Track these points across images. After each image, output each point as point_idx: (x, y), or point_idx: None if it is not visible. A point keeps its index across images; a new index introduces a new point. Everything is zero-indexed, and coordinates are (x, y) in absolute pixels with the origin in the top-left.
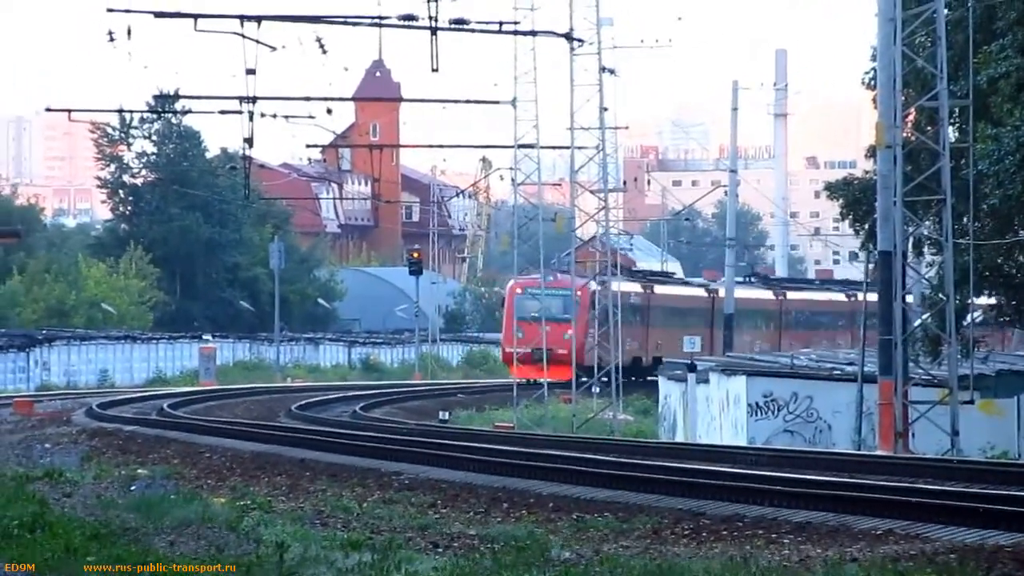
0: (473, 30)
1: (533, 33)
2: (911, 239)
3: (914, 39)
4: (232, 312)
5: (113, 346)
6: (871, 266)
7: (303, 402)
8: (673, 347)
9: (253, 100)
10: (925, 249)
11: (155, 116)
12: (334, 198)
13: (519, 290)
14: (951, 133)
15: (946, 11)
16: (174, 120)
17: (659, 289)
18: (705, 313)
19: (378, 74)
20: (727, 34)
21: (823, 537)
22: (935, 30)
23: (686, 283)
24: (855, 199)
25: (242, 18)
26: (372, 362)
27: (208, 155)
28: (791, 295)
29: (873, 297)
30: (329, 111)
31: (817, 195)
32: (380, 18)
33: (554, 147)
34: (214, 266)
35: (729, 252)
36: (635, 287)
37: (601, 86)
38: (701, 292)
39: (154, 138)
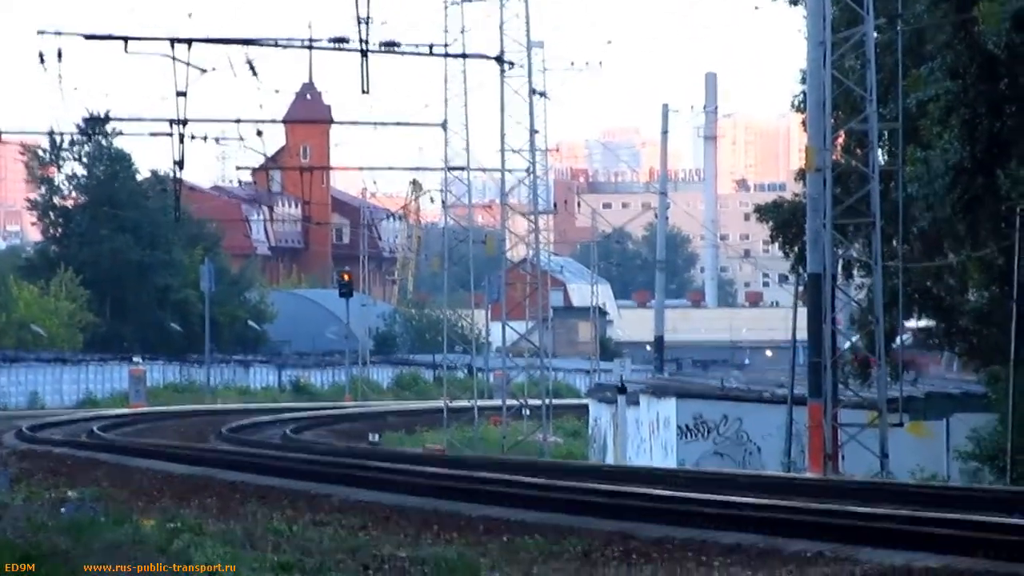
0: (404, 52)
1: (464, 56)
2: (841, 261)
3: (844, 62)
4: (162, 334)
5: (43, 368)
6: (800, 288)
7: (233, 424)
8: None
9: (183, 122)
10: (855, 271)
11: (85, 138)
12: (264, 220)
13: None
14: (880, 156)
15: (875, 34)
16: (104, 142)
17: None
18: None
19: (309, 96)
20: (657, 57)
21: (752, 559)
22: (864, 53)
23: None
24: (785, 221)
25: (172, 40)
26: (302, 384)
27: (138, 177)
28: None
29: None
30: (259, 133)
31: (747, 217)
32: (311, 40)
33: (484, 169)
34: (144, 288)
35: (659, 275)
36: None
37: (531, 108)
38: None
39: (84, 160)
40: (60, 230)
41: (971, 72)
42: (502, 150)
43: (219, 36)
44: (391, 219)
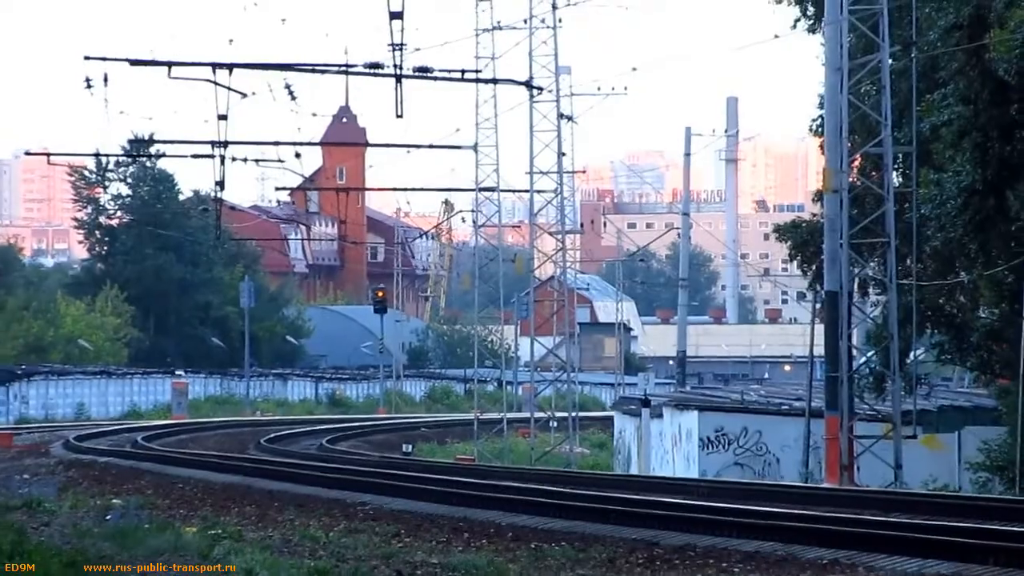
0: (436, 78)
1: (494, 81)
2: (857, 280)
3: (860, 88)
4: (204, 348)
5: (89, 381)
6: (818, 306)
7: (272, 435)
8: None
9: (224, 144)
10: (870, 289)
11: (130, 160)
12: (302, 239)
13: None
14: (895, 178)
15: (891, 61)
16: (148, 164)
17: None
18: None
19: (345, 120)
20: (680, 83)
21: (771, 566)
22: (880, 79)
23: None
24: (803, 241)
25: (214, 66)
26: (338, 397)
27: (181, 197)
28: None
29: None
30: (298, 155)
31: (767, 237)
32: (347, 66)
33: (514, 190)
34: (186, 304)
35: (682, 292)
36: None
37: (559, 132)
38: None
39: (129, 181)
40: (106, 248)
41: (983, 98)
42: (531, 172)
43: (259, 62)
44: (424, 238)
